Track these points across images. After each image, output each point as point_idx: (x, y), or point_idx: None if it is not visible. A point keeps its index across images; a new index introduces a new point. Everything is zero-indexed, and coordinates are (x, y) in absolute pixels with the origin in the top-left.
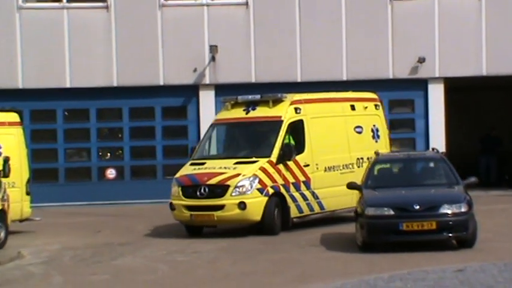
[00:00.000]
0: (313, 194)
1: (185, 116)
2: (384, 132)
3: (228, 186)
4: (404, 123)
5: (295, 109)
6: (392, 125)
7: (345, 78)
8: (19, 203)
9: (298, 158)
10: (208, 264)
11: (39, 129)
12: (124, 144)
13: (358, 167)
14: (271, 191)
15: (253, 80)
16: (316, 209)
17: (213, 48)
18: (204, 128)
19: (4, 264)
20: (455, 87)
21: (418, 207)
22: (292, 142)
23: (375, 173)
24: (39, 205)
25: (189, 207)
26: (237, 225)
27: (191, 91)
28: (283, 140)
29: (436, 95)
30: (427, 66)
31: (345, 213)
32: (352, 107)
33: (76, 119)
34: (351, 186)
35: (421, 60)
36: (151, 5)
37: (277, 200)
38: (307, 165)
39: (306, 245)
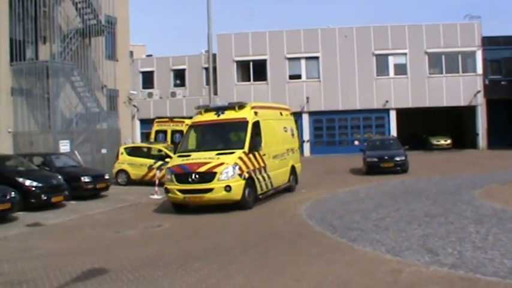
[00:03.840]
0: (268, 176)
1: (296, 124)
2: (295, 131)
3: (215, 173)
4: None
5: (255, 112)
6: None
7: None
8: None
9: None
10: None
11: None
12: None
13: (287, 155)
14: (246, 175)
15: (323, 108)
16: (270, 186)
17: (307, 98)
18: (305, 132)
19: None
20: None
21: (387, 157)
22: (257, 137)
23: (370, 144)
24: None
25: (182, 191)
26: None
27: (299, 114)
28: (251, 136)
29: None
30: (389, 103)
31: (283, 188)
32: (281, 114)
33: None
34: (361, 149)
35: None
36: None
37: (250, 183)
38: (264, 155)
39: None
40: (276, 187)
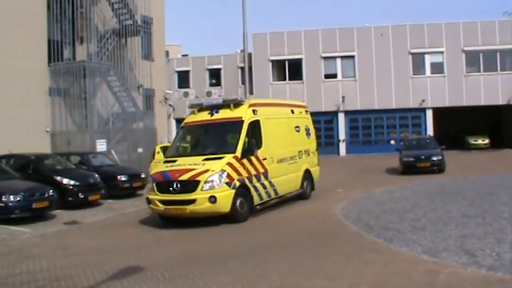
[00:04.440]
0: (270, 182)
1: (332, 124)
2: (312, 131)
3: (199, 181)
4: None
5: (253, 111)
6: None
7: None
8: None
9: (258, 152)
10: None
11: None
12: None
13: (299, 158)
14: (237, 183)
15: (359, 108)
16: (273, 195)
17: (343, 97)
18: (341, 131)
19: None
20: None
21: (423, 157)
22: (253, 139)
23: (406, 143)
24: None
25: (163, 202)
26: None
27: (335, 114)
28: (245, 138)
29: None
30: (425, 102)
31: (292, 195)
32: (292, 111)
33: None
34: (397, 149)
35: (422, 101)
36: None
37: (243, 192)
38: (265, 159)
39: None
40: (282, 195)
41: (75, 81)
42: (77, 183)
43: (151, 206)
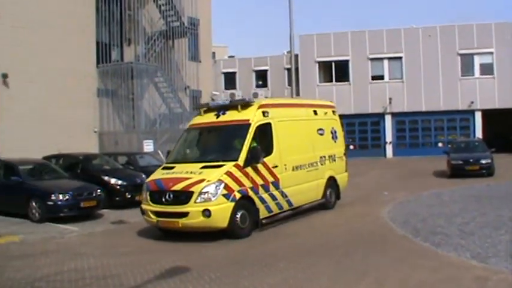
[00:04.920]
0: (282, 193)
1: (379, 125)
2: (340, 133)
3: (192, 192)
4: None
5: (263, 112)
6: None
7: (443, 108)
8: None
9: (266, 159)
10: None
11: None
12: None
13: (322, 164)
14: (238, 195)
15: (406, 110)
16: (285, 206)
17: (390, 99)
18: (388, 133)
19: None
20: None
21: (472, 160)
22: (259, 145)
23: (455, 146)
24: None
25: (156, 213)
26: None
27: (382, 116)
28: (250, 143)
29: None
30: (474, 104)
31: (311, 206)
32: (315, 112)
33: None
34: (445, 152)
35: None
36: None
37: (245, 204)
38: (276, 166)
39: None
40: (298, 206)
41: (123, 83)
42: (124, 183)
43: (145, 217)
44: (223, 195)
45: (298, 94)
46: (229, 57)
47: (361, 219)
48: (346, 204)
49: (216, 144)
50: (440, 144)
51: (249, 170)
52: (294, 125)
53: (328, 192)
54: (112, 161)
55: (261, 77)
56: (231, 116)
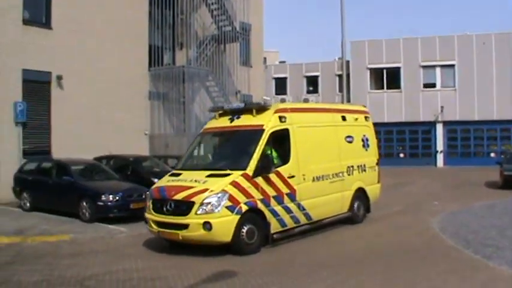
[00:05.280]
0: (298, 205)
1: (430, 134)
2: (373, 141)
3: (193, 203)
4: None
5: (280, 118)
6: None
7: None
8: None
9: (282, 169)
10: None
11: None
12: None
13: (349, 174)
14: (244, 207)
15: (458, 118)
16: (303, 220)
17: (442, 108)
18: (439, 142)
19: None
20: None
21: None
22: (274, 153)
23: (508, 156)
24: None
25: (157, 223)
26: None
27: (433, 124)
28: (262, 151)
29: None
30: None
31: (334, 220)
32: (343, 118)
33: None
34: (498, 162)
35: None
36: None
37: (254, 217)
38: (292, 177)
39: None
40: (318, 220)
41: (174, 86)
42: None
43: (148, 227)
44: (227, 207)
45: (348, 100)
46: (280, 62)
47: (410, 229)
48: (395, 214)
49: (226, 151)
50: (492, 155)
51: (259, 180)
52: (317, 131)
53: (355, 205)
54: (162, 163)
55: (312, 83)
56: (244, 120)
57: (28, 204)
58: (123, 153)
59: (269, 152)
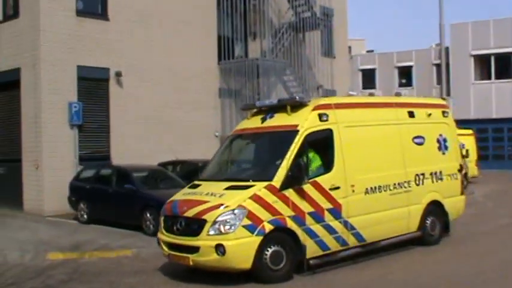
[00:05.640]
0: (345, 223)
1: None
2: (453, 142)
3: (205, 221)
4: None
5: (320, 116)
6: None
7: None
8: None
9: (321, 178)
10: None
11: None
12: None
13: (417, 184)
14: (268, 227)
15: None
16: (352, 241)
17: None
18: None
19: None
20: None
21: None
22: (313, 159)
23: None
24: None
25: (168, 245)
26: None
27: None
28: (294, 158)
29: None
30: None
31: (396, 241)
32: (411, 114)
33: None
34: None
35: None
36: None
37: (282, 238)
38: (337, 188)
39: None
40: (374, 241)
41: (248, 81)
42: None
43: (160, 248)
44: (245, 226)
45: (448, 94)
46: (368, 51)
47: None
48: (498, 229)
49: (253, 157)
50: None
51: (289, 193)
52: (371, 131)
53: (428, 223)
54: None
55: (405, 75)
56: (277, 120)
57: (85, 216)
58: (191, 158)
59: (304, 158)
